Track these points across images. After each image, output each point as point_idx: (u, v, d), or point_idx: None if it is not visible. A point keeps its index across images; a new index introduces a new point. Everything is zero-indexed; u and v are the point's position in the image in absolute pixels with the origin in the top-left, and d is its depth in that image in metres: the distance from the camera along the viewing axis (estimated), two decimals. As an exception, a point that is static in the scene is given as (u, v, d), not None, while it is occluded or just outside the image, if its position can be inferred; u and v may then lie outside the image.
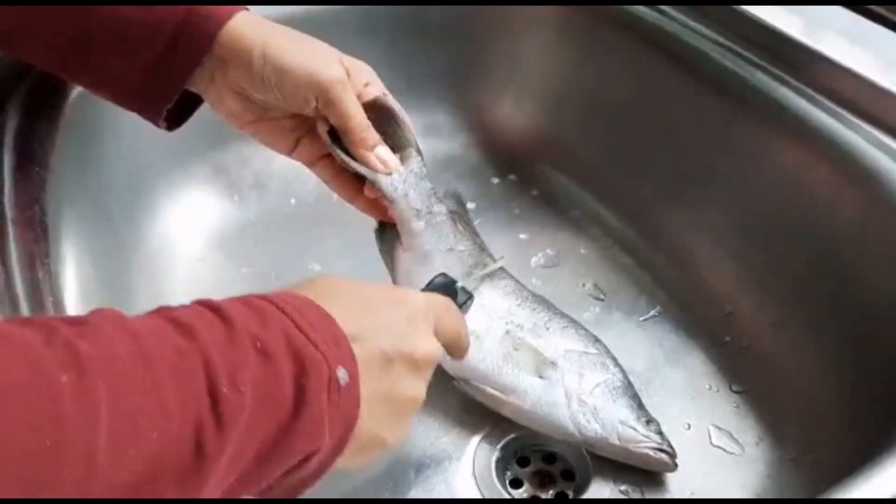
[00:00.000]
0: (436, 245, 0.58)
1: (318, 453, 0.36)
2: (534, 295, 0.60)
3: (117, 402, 0.29)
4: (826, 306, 0.59)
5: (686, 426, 0.59)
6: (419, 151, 0.56)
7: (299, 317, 0.35)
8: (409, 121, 0.56)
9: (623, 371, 0.57)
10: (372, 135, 0.53)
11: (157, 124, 0.53)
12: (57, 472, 0.27)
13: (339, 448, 0.37)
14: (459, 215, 0.61)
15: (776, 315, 0.62)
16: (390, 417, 0.40)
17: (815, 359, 0.59)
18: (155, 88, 0.51)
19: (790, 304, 0.61)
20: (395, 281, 0.59)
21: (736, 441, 0.58)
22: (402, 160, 0.55)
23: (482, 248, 0.61)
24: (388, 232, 0.58)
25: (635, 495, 0.55)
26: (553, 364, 0.56)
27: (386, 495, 0.55)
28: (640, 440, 0.54)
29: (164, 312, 0.34)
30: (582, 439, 0.55)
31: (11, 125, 0.57)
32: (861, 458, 0.44)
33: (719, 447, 0.58)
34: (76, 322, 0.31)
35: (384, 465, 0.56)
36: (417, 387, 0.42)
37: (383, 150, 0.54)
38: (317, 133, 0.55)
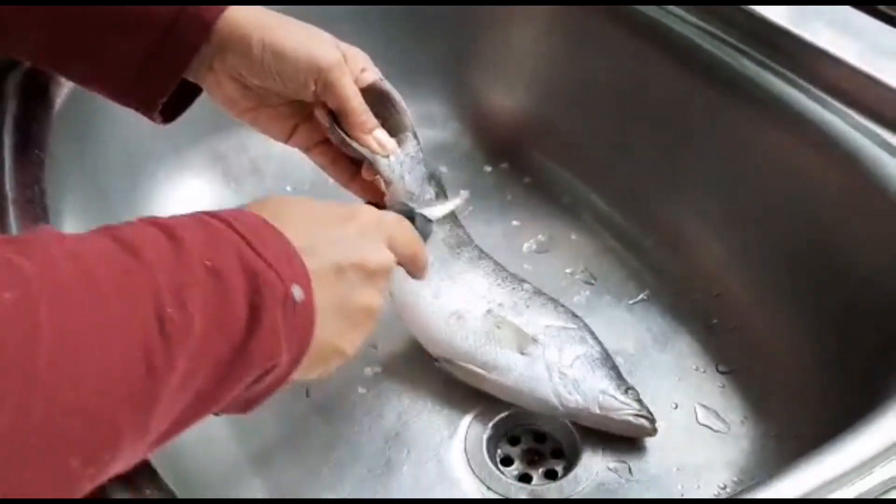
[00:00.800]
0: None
1: (276, 368, 0.36)
2: (513, 275, 0.61)
3: (60, 320, 0.28)
4: (811, 287, 0.60)
5: (674, 406, 0.60)
6: (416, 136, 0.57)
7: (251, 235, 0.35)
8: (406, 105, 0.57)
9: (601, 344, 0.59)
10: (370, 118, 0.54)
11: (151, 118, 0.54)
12: None
13: (295, 361, 0.37)
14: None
15: (763, 297, 0.63)
16: (346, 327, 0.41)
17: (800, 339, 0.60)
18: (151, 79, 0.51)
19: (776, 286, 0.62)
20: None
21: (722, 419, 0.59)
22: (399, 143, 0.56)
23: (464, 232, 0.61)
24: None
25: (623, 473, 0.56)
26: (534, 340, 0.57)
27: (378, 472, 0.56)
28: (620, 408, 0.56)
29: (109, 231, 0.33)
30: (564, 411, 0.56)
31: (11, 107, 0.58)
32: (838, 434, 0.45)
33: (706, 425, 0.59)
34: (18, 241, 0.30)
35: (377, 443, 0.58)
36: (372, 295, 0.42)
37: (381, 133, 0.55)
38: (314, 119, 0.55)
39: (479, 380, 0.58)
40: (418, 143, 0.58)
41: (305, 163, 0.59)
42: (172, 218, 0.35)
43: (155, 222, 0.34)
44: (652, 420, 0.56)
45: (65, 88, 0.62)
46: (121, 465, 0.32)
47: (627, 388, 0.56)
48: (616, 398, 0.56)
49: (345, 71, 0.52)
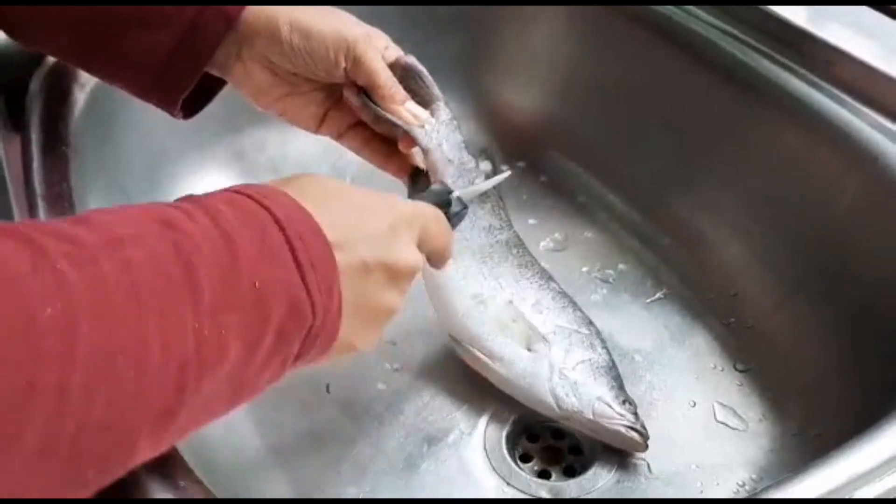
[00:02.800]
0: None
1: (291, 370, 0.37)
2: (543, 270, 0.61)
3: (99, 338, 0.28)
4: (828, 286, 0.60)
5: (691, 403, 0.60)
6: (447, 104, 0.57)
7: (303, 253, 0.35)
8: (431, 77, 0.57)
9: (609, 353, 0.58)
10: (399, 90, 0.54)
11: (172, 114, 0.54)
12: (29, 409, 0.27)
13: (312, 363, 0.39)
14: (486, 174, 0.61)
15: (780, 295, 0.63)
16: (363, 325, 0.41)
17: (818, 337, 0.60)
18: (174, 75, 0.51)
19: (793, 285, 0.63)
20: None
21: (740, 417, 0.59)
22: (432, 114, 0.56)
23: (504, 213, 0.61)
24: (422, 180, 0.58)
25: (642, 470, 0.56)
26: (544, 339, 0.57)
27: (399, 467, 0.57)
28: (614, 417, 0.55)
29: (170, 223, 0.33)
30: (560, 412, 0.56)
31: (37, 106, 0.58)
32: (862, 432, 0.45)
33: (724, 423, 0.59)
34: (69, 240, 0.30)
35: (397, 438, 0.58)
36: (393, 297, 0.42)
37: (412, 105, 0.55)
38: (343, 105, 0.55)
39: (482, 366, 0.58)
40: (451, 111, 0.58)
41: (323, 161, 0.60)
42: (234, 209, 0.35)
43: (217, 222, 0.34)
44: (645, 436, 0.55)
45: (88, 88, 0.62)
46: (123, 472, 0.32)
47: (625, 400, 0.56)
48: (612, 407, 0.55)
49: (372, 44, 0.52)
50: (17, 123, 0.58)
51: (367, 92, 0.54)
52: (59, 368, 0.27)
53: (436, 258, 0.48)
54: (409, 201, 0.46)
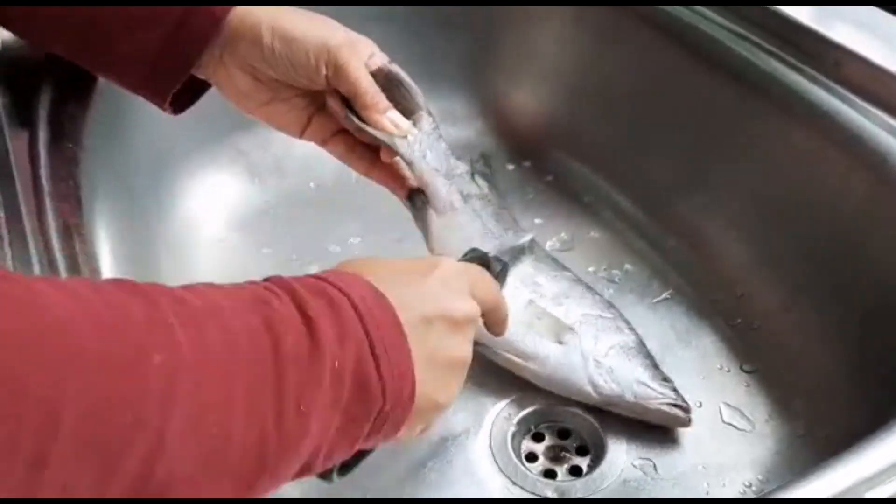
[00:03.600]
0: (465, 198, 0.59)
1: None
2: (555, 262, 0.62)
3: (195, 393, 0.30)
4: (835, 287, 0.60)
5: (698, 404, 0.60)
6: (430, 113, 0.57)
7: (374, 330, 0.36)
8: (416, 85, 0.56)
9: (636, 333, 0.59)
10: (382, 99, 0.54)
11: (162, 108, 0.54)
12: (130, 445, 0.28)
13: (395, 433, 0.39)
14: (482, 173, 0.62)
15: (787, 296, 0.63)
16: (439, 379, 0.41)
17: (825, 338, 0.60)
18: (163, 72, 0.52)
19: (800, 285, 0.62)
20: (430, 244, 0.59)
21: (747, 418, 0.59)
22: (414, 123, 0.56)
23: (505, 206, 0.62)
24: (419, 197, 0.58)
25: (648, 470, 0.56)
26: (571, 329, 0.58)
27: (403, 465, 0.56)
28: (655, 397, 0.56)
29: (262, 299, 0.34)
30: (600, 399, 0.57)
31: (44, 103, 0.58)
32: (870, 434, 0.45)
33: (731, 424, 0.59)
34: (178, 300, 0.32)
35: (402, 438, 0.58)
36: (461, 345, 0.42)
37: (394, 114, 0.55)
38: (327, 111, 0.55)
39: (517, 367, 0.58)
40: (434, 121, 0.57)
41: (328, 160, 0.59)
42: (314, 296, 0.36)
43: (301, 307, 0.35)
44: (687, 409, 0.56)
45: (96, 86, 0.62)
46: None
47: (663, 378, 0.57)
48: (651, 387, 0.56)
49: (355, 52, 0.52)
50: (25, 121, 0.58)
51: (348, 101, 0.54)
52: (161, 413, 0.29)
53: (493, 314, 0.48)
54: (454, 261, 0.46)
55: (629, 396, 0.56)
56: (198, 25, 0.50)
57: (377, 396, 0.36)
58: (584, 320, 0.58)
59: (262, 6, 0.52)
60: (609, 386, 0.56)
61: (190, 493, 0.30)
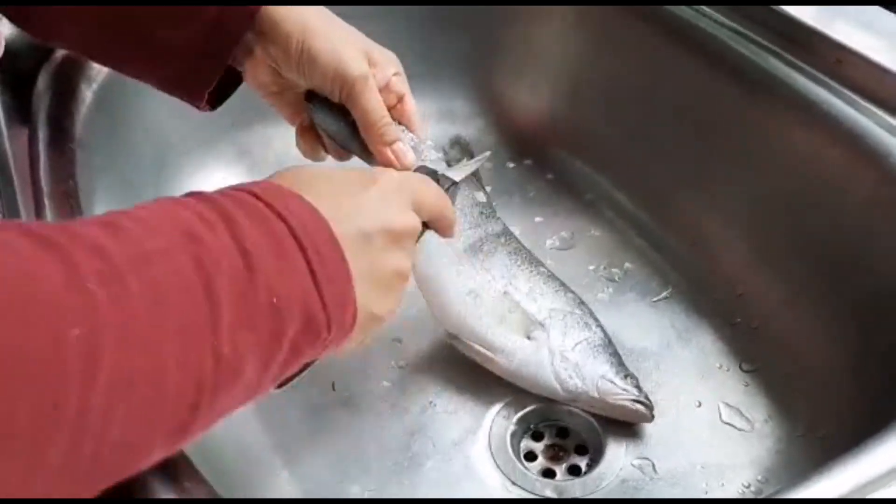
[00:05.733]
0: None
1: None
2: (531, 255, 0.62)
3: (119, 362, 0.29)
4: (835, 287, 0.60)
5: (697, 404, 0.60)
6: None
7: (317, 262, 0.36)
8: (422, 126, 0.56)
9: (603, 330, 0.60)
10: (389, 131, 0.53)
11: (198, 107, 0.54)
12: (52, 431, 0.27)
13: (335, 350, 0.40)
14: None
15: (786, 295, 0.63)
16: (378, 292, 0.41)
17: (824, 338, 0.60)
18: (199, 69, 0.52)
19: (800, 285, 0.62)
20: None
21: (746, 418, 0.59)
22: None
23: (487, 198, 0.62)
24: None
25: (647, 470, 0.56)
26: (541, 325, 0.58)
27: (404, 466, 0.57)
28: (618, 393, 0.57)
29: (194, 236, 0.33)
30: (565, 395, 0.57)
31: (44, 102, 0.59)
32: (869, 434, 0.45)
33: (729, 424, 0.59)
34: (100, 254, 0.30)
35: (402, 437, 0.58)
36: (400, 259, 0.43)
37: (401, 146, 0.54)
38: None
39: (484, 359, 0.59)
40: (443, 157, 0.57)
41: (328, 158, 0.59)
42: (252, 220, 0.35)
43: (238, 238, 0.34)
44: (649, 406, 0.57)
45: (96, 84, 0.62)
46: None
47: (626, 374, 0.58)
48: (614, 383, 0.57)
49: (368, 84, 0.52)
50: (24, 119, 0.58)
51: (358, 125, 0.54)
52: (81, 391, 0.28)
53: (439, 223, 0.49)
54: (395, 172, 0.47)
55: (593, 392, 0.57)
56: (233, 24, 0.50)
57: (322, 327, 0.36)
58: (554, 315, 0.59)
59: (293, 14, 0.51)
60: (574, 381, 0.57)
61: (121, 455, 0.30)
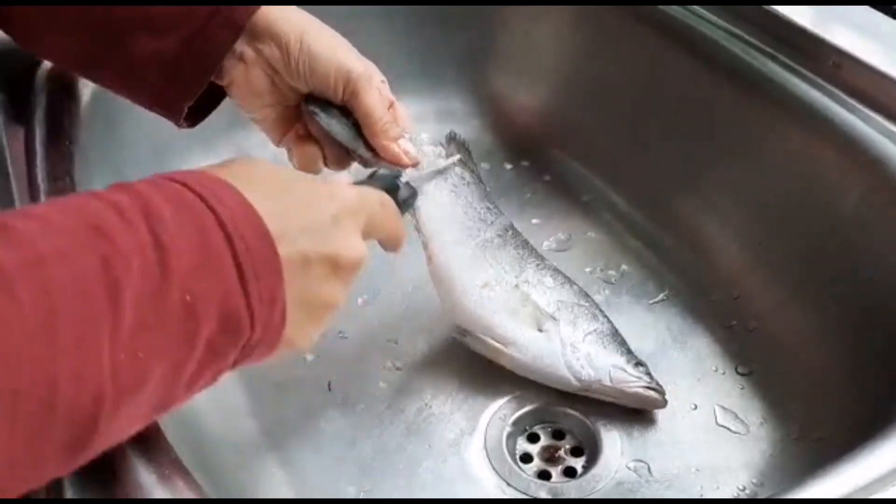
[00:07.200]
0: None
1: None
2: (535, 251, 0.63)
3: (6, 378, 0.27)
4: (831, 290, 0.60)
5: (692, 406, 0.60)
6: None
7: (245, 255, 0.34)
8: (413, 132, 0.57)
9: (610, 321, 0.61)
10: (394, 127, 0.54)
11: (177, 123, 0.54)
12: None
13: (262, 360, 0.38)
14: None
15: (783, 298, 0.63)
16: (304, 320, 0.39)
17: (820, 342, 0.60)
18: (180, 82, 0.51)
19: (796, 288, 0.62)
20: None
21: (741, 421, 0.59)
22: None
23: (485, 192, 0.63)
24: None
25: (643, 472, 0.56)
26: (552, 317, 0.59)
27: (400, 466, 0.57)
28: (631, 380, 0.58)
29: (102, 231, 0.31)
30: (578, 384, 0.58)
31: (41, 100, 0.58)
32: (864, 437, 0.45)
33: (725, 427, 0.59)
34: (13, 253, 0.28)
35: (398, 438, 0.58)
36: (335, 291, 0.41)
37: (406, 143, 0.55)
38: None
39: (495, 353, 0.59)
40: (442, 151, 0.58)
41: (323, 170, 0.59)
42: (176, 209, 0.33)
43: (155, 232, 0.32)
44: (661, 392, 0.58)
45: (91, 83, 0.62)
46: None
47: (637, 362, 0.58)
48: (627, 371, 0.58)
49: (371, 82, 0.53)
50: (21, 118, 0.58)
51: (360, 124, 0.54)
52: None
53: (388, 244, 0.49)
54: (355, 188, 0.45)
55: (606, 381, 0.57)
56: (218, 31, 0.50)
57: (244, 326, 0.34)
58: (562, 307, 0.60)
59: (289, 15, 0.52)
60: (587, 371, 0.57)
61: (8, 473, 0.28)
